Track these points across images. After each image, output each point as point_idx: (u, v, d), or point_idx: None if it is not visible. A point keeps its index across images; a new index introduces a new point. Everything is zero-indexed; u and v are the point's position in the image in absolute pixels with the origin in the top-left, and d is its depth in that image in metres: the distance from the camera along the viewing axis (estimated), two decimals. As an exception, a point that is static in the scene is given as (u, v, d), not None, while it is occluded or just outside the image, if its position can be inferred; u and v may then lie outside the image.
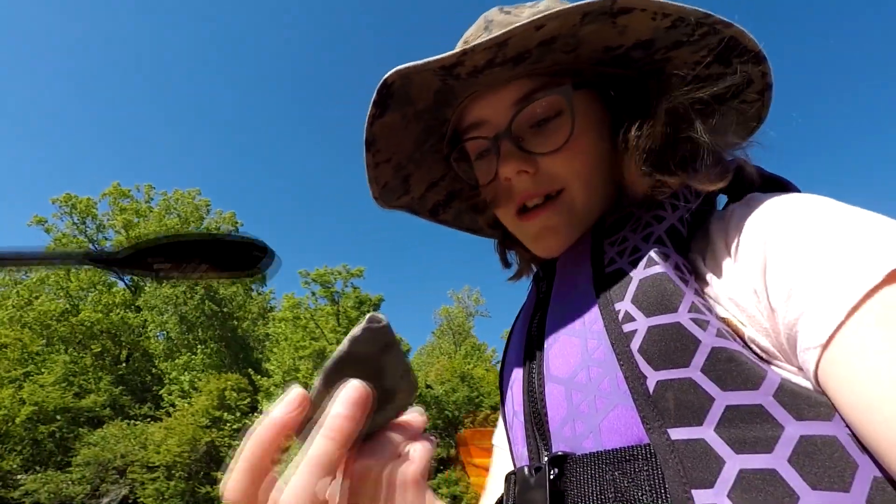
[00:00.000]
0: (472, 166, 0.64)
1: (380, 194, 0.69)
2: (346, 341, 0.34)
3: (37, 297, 19.21)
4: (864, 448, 0.33)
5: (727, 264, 0.45)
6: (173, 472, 14.50)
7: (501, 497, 0.53)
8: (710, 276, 0.46)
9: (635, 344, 0.42)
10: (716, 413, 0.37)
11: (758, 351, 0.41)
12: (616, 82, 0.57)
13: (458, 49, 0.53)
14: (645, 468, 0.38)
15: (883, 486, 0.32)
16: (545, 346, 0.52)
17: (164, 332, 19.43)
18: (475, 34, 0.59)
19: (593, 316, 0.47)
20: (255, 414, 16.34)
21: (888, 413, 0.31)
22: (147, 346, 19.97)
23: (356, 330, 0.34)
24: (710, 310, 0.42)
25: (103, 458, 14.73)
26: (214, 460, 15.20)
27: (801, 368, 0.38)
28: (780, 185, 0.55)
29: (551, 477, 0.43)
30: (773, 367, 0.38)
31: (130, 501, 14.59)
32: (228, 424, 15.62)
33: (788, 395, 0.36)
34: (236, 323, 20.39)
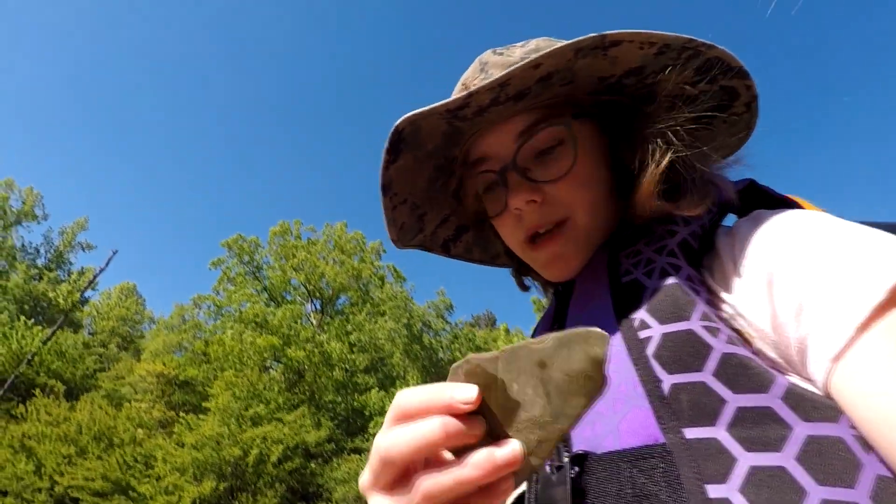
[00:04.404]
0: (480, 200, 0.66)
1: (398, 235, 0.73)
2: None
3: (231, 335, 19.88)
4: (868, 448, 0.34)
5: (734, 279, 0.47)
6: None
7: (522, 494, 0.53)
8: (718, 290, 0.48)
9: (650, 350, 0.44)
10: (728, 414, 0.38)
11: (765, 361, 0.42)
12: (611, 108, 0.60)
13: (458, 90, 0.61)
14: (661, 465, 0.39)
15: (887, 484, 0.33)
16: None
17: (377, 365, 19.63)
18: (472, 76, 0.61)
19: (610, 323, 0.49)
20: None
21: None
22: (341, 379, 20.25)
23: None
24: (720, 318, 0.44)
25: (357, 494, 14.81)
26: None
27: (810, 380, 0.39)
28: (785, 204, 0.56)
29: (572, 475, 0.44)
30: (781, 374, 0.39)
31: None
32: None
33: (796, 398, 0.37)
34: (438, 351, 20.49)
